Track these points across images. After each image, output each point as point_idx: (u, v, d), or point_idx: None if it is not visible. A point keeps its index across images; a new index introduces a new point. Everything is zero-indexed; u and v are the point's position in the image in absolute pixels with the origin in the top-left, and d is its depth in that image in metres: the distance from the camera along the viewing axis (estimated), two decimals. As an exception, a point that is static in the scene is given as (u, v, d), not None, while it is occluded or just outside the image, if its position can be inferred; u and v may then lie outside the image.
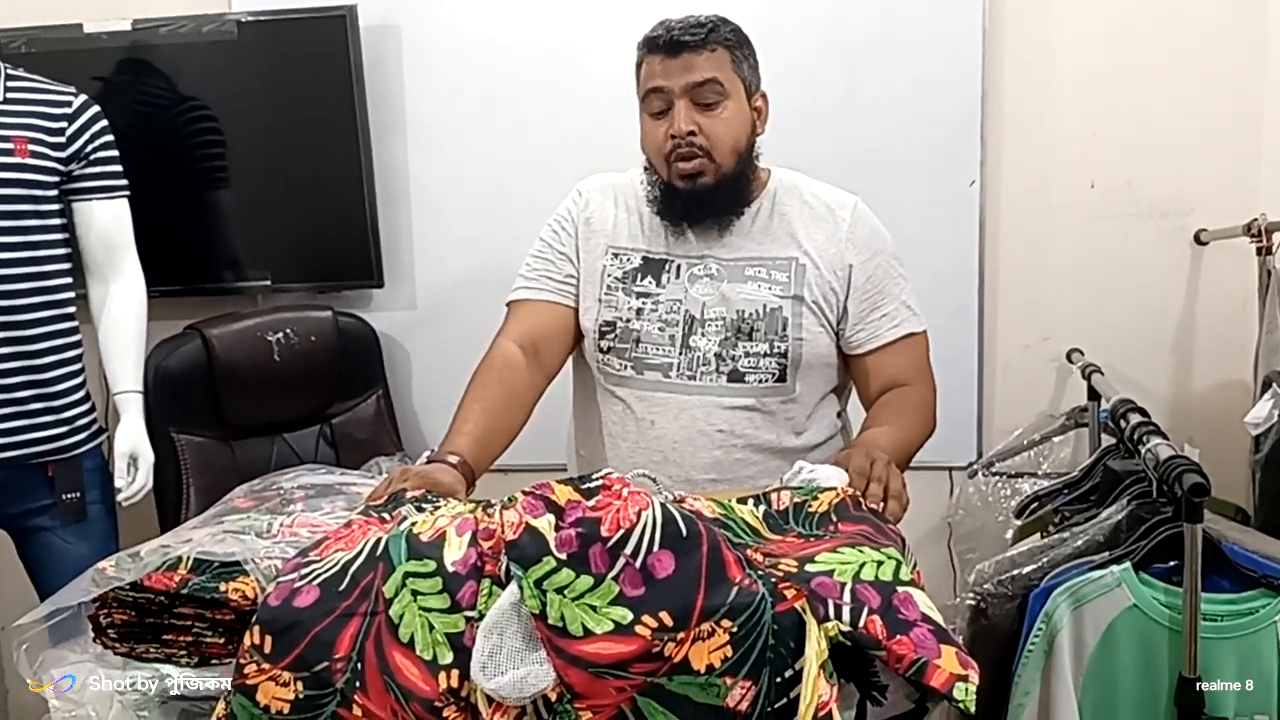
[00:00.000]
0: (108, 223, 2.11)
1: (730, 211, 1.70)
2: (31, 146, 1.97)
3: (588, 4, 2.55)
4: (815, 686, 1.01)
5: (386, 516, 1.26)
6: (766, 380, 1.67)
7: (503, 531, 1.08)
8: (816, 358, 1.69)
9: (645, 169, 1.73)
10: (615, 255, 1.72)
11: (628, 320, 1.69)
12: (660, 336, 1.68)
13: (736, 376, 1.66)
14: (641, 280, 1.70)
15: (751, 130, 1.68)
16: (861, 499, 1.30)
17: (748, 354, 1.66)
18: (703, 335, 1.67)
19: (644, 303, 1.69)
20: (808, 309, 1.67)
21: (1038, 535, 1.97)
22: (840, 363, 1.74)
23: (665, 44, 1.62)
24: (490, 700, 1.03)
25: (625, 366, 1.69)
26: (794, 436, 1.70)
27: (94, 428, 2.12)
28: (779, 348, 1.66)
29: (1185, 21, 2.48)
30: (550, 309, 1.73)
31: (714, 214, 1.69)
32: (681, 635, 1.02)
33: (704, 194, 1.66)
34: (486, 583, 1.08)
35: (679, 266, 1.70)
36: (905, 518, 1.37)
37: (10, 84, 2.01)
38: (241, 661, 1.07)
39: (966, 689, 1.01)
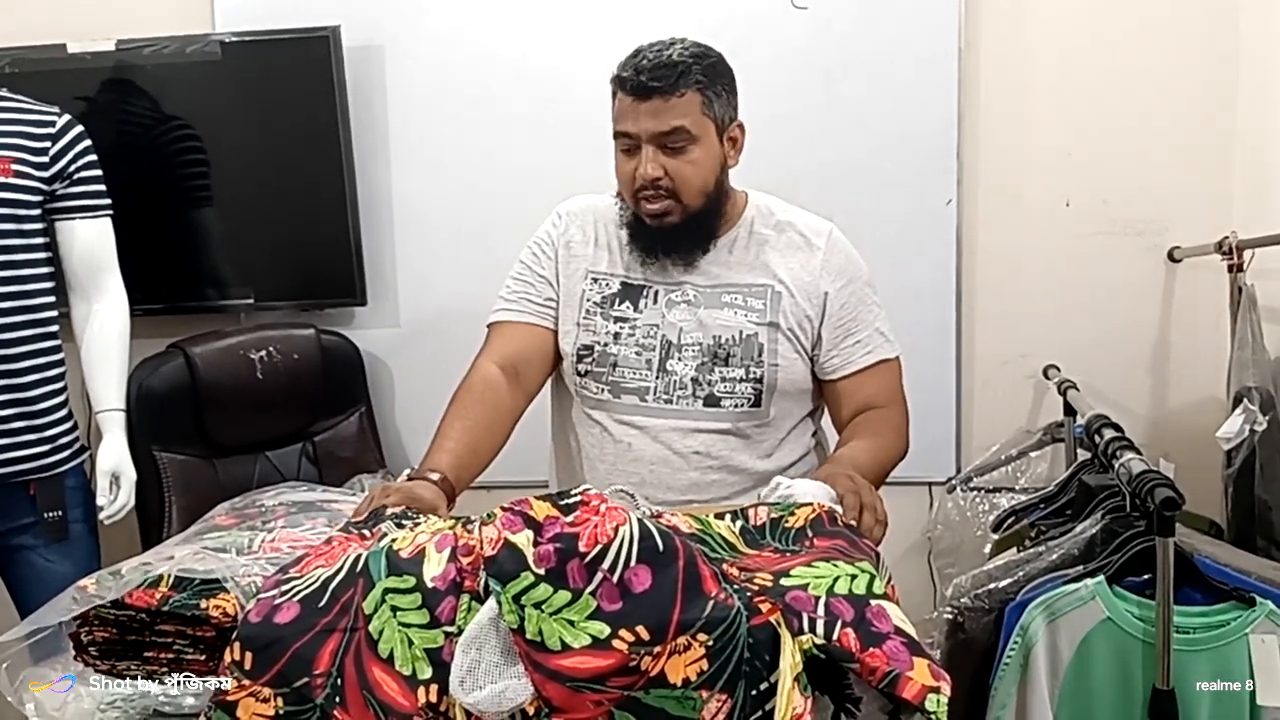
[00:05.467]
0: (91, 241, 2.12)
1: (696, 246, 1.70)
2: (15, 166, 1.98)
3: (570, 24, 2.58)
4: (790, 699, 1.02)
5: (367, 533, 1.27)
6: (742, 405, 1.68)
7: (481, 547, 1.09)
8: (791, 384, 1.71)
9: (618, 195, 1.74)
10: (594, 280, 1.74)
11: (605, 344, 1.70)
12: (637, 361, 1.69)
13: (713, 401, 1.68)
14: (619, 305, 1.72)
15: (721, 168, 1.67)
16: (838, 515, 1.31)
17: (724, 379, 1.68)
18: (680, 360, 1.68)
19: (621, 327, 1.70)
20: (783, 336, 1.69)
21: (1014, 549, 1.99)
22: (815, 387, 1.76)
23: (633, 87, 1.60)
24: (469, 715, 1.04)
25: (602, 390, 1.71)
26: (768, 459, 1.72)
27: (76, 446, 2.12)
28: (755, 373, 1.68)
29: (1159, 43, 2.52)
30: (530, 331, 1.74)
31: (679, 250, 1.70)
32: (658, 649, 1.03)
33: (669, 231, 1.67)
34: (465, 598, 1.09)
35: (656, 292, 1.72)
36: (886, 533, 1.41)
37: (-6, 104, 2.02)
38: (222, 677, 1.08)
39: (939, 700, 1.02)
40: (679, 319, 1.69)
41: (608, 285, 1.73)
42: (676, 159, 1.62)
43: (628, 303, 1.71)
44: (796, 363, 1.71)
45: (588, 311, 1.72)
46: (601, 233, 1.77)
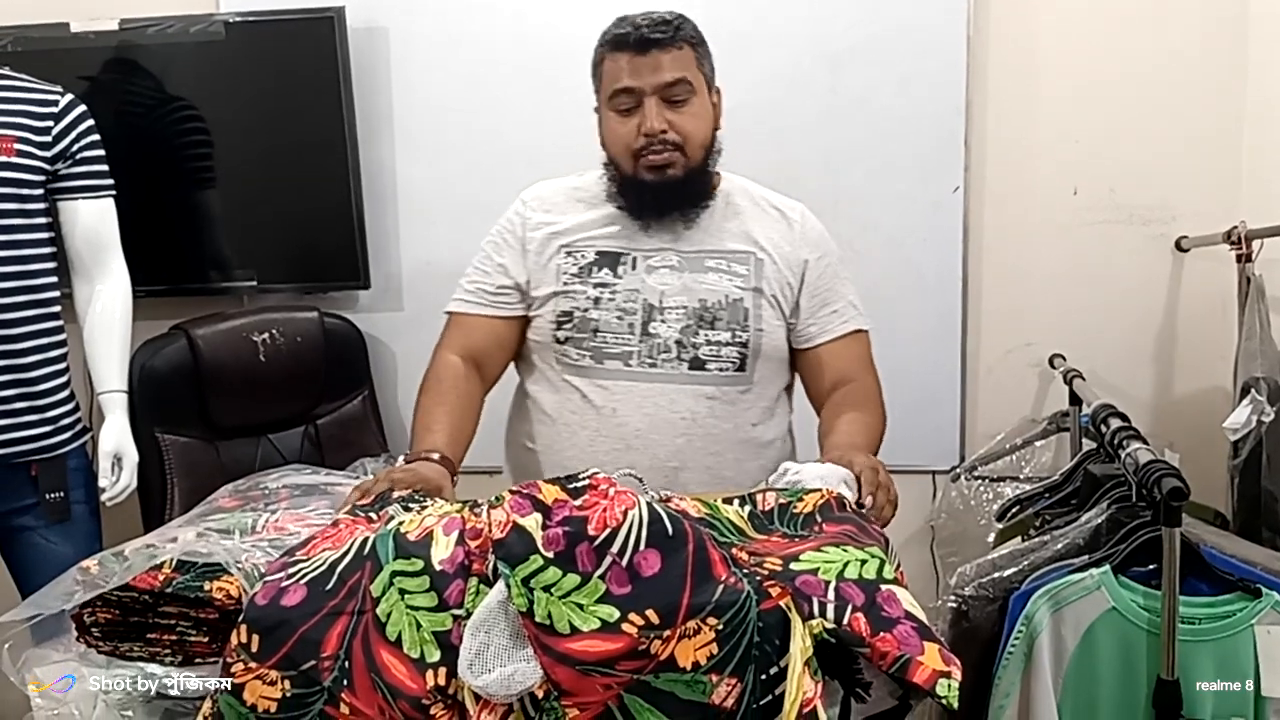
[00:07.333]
0: (93, 222, 2.10)
1: (695, 203, 1.73)
2: (18, 145, 1.96)
3: (573, 6, 2.55)
4: (800, 683, 1.02)
5: (374, 516, 1.27)
6: (727, 369, 1.69)
7: (490, 530, 1.09)
8: (774, 349, 1.73)
9: (605, 165, 1.74)
10: (569, 253, 1.74)
11: (585, 310, 1.70)
12: (619, 325, 1.69)
13: (697, 364, 1.68)
14: (598, 272, 1.72)
15: (714, 124, 1.72)
16: (846, 500, 1.31)
17: (709, 342, 1.69)
18: (663, 322, 1.69)
19: (601, 292, 1.70)
20: (766, 302, 1.71)
21: (1019, 538, 1.99)
22: (790, 358, 1.78)
23: (635, 42, 1.64)
24: (478, 698, 1.03)
25: (584, 356, 1.70)
26: (751, 427, 1.73)
27: (78, 427, 2.11)
28: (740, 337, 1.69)
29: (1168, 31, 2.51)
30: (486, 324, 1.76)
31: (679, 205, 1.72)
32: (668, 633, 1.02)
33: (672, 185, 1.68)
34: (474, 581, 1.08)
35: (635, 259, 1.72)
36: (895, 514, 1.43)
37: (-3, 82, 2.00)
38: (228, 660, 1.07)
39: (949, 685, 1.02)
40: (660, 283, 1.70)
41: (583, 255, 1.73)
42: (679, 112, 1.66)
43: (606, 269, 1.72)
44: (779, 329, 1.73)
45: (565, 282, 1.72)
46: (570, 209, 1.77)
